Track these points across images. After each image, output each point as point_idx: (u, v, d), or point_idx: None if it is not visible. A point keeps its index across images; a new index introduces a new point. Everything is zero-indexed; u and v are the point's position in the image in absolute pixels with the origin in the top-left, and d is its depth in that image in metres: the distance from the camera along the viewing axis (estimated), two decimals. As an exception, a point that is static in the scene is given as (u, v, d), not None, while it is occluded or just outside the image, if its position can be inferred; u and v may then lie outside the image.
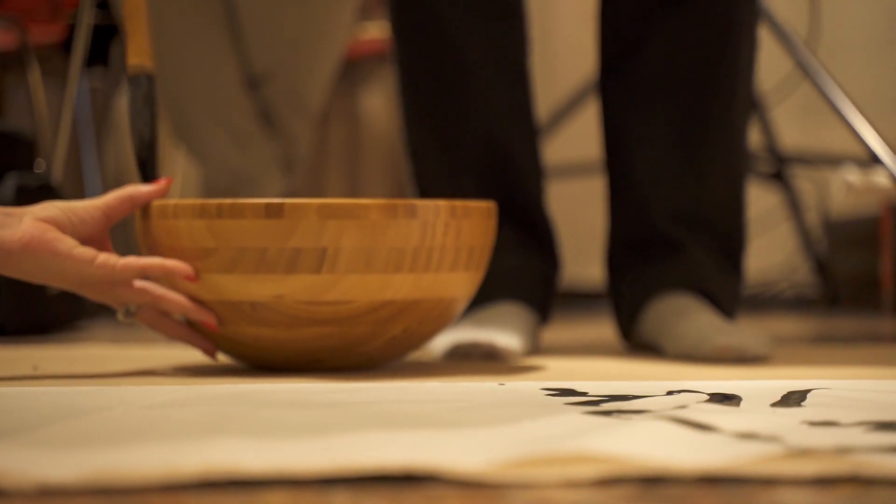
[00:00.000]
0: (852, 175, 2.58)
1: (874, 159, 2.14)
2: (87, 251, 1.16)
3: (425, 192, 1.52)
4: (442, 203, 1.20)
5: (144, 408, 0.94)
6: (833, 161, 2.50)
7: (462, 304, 1.27)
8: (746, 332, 1.38)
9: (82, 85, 2.55)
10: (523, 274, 1.52)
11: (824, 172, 2.72)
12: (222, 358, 1.28)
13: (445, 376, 1.20)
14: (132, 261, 1.17)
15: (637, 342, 1.52)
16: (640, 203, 1.51)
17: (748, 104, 1.53)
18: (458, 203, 1.21)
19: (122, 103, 2.64)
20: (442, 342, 1.39)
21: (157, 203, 1.20)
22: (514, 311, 1.47)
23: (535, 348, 1.49)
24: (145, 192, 1.20)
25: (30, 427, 0.83)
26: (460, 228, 1.21)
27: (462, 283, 1.23)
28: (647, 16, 1.50)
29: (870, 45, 2.92)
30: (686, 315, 1.42)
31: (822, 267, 2.58)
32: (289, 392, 1.04)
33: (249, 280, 1.16)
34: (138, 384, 1.12)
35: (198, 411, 0.92)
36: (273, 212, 1.15)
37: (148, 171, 1.24)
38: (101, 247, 1.20)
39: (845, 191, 2.66)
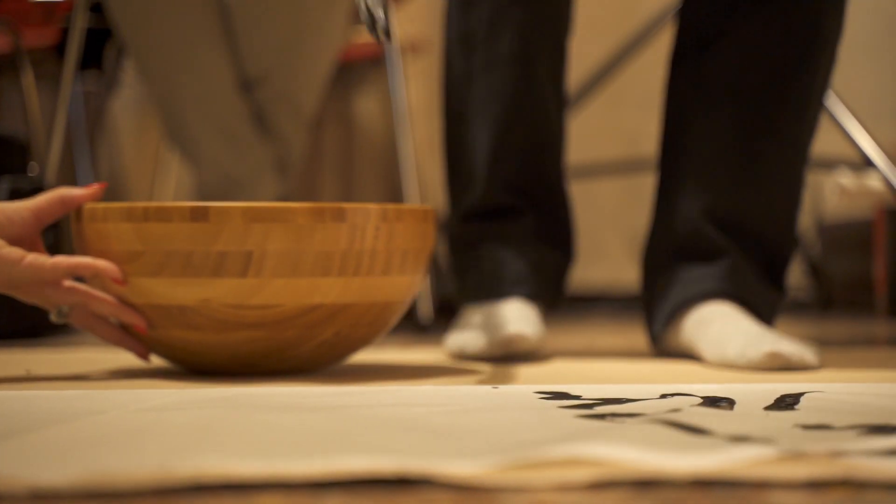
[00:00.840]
0: (846, 178, 2.58)
1: (867, 163, 2.14)
2: (14, 251, 1.16)
3: (457, 170, 1.52)
4: (372, 206, 1.19)
5: (137, 411, 0.94)
6: (826, 164, 2.51)
7: (401, 308, 1.26)
8: (792, 340, 1.35)
9: (76, 88, 2.55)
10: (539, 270, 1.51)
11: (818, 176, 2.72)
12: (156, 360, 1.29)
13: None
14: (61, 260, 1.18)
15: (668, 348, 1.48)
16: (687, 202, 1.47)
17: (816, 123, 1.48)
18: (391, 207, 1.20)
19: (116, 106, 2.64)
20: (463, 344, 1.41)
21: (87, 206, 1.20)
22: (524, 309, 1.46)
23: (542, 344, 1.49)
24: (77, 195, 1.21)
25: (22, 431, 0.83)
26: (392, 232, 1.20)
27: (397, 288, 1.22)
28: (730, 10, 1.45)
29: (863, 49, 2.93)
30: (727, 322, 1.39)
31: (815, 270, 2.59)
32: (281, 395, 1.04)
33: (176, 284, 1.16)
34: (131, 388, 1.12)
35: (190, 415, 0.92)
36: (198, 215, 1.15)
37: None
38: (31, 248, 1.20)
39: (839, 194, 2.67)
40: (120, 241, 1.17)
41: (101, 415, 0.92)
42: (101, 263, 1.18)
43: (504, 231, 1.51)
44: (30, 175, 1.86)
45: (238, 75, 2.03)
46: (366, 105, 2.84)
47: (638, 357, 1.46)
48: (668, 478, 0.68)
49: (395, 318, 1.26)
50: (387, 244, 1.20)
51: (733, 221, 1.46)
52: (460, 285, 1.55)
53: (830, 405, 0.97)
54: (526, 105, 1.48)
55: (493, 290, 1.48)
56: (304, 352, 1.21)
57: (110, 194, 2.66)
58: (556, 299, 1.53)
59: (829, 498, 0.65)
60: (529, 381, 1.21)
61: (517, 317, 1.42)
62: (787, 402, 0.98)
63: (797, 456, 0.71)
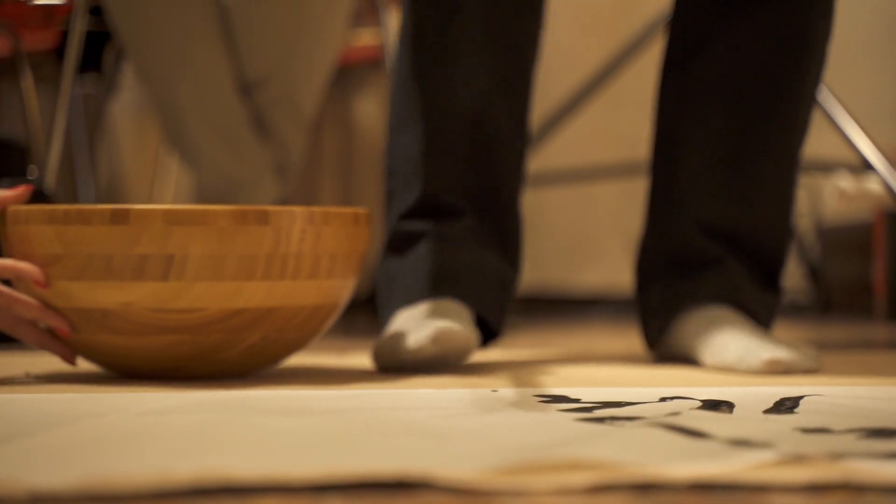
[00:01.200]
0: (845, 181, 2.58)
1: (867, 166, 2.14)
2: None
3: (395, 170, 1.46)
4: (298, 209, 1.18)
5: (136, 414, 0.94)
6: (825, 167, 2.51)
7: (333, 312, 1.24)
8: (792, 345, 1.35)
9: (75, 91, 2.55)
10: (477, 273, 1.42)
11: (817, 178, 2.72)
12: (84, 364, 1.28)
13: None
14: None
15: (665, 353, 1.47)
16: (680, 211, 1.46)
17: (807, 128, 1.47)
18: (317, 209, 1.19)
19: (116, 109, 2.64)
20: (386, 347, 1.31)
21: (11, 208, 1.20)
22: (451, 308, 1.38)
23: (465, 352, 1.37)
24: (2, 197, 1.20)
25: (21, 434, 0.83)
26: (319, 235, 1.19)
27: (326, 291, 1.21)
28: (719, 17, 1.45)
29: (862, 52, 2.93)
30: (726, 326, 1.38)
31: (814, 273, 2.59)
32: (281, 399, 1.04)
33: (98, 287, 1.16)
34: (131, 391, 1.12)
35: (190, 418, 0.92)
36: (119, 218, 1.14)
37: None
38: None
39: (838, 197, 2.67)
40: (41, 244, 1.17)
41: (101, 418, 0.92)
42: (23, 266, 1.18)
43: (441, 231, 1.43)
44: (29, 178, 1.86)
45: (237, 78, 2.03)
46: (365, 107, 2.85)
47: (637, 360, 1.46)
48: (668, 482, 0.68)
49: (328, 322, 1.25)
50: (314, 247, 1.18)
51: (727, 230, 1.46)
52: (390, 289, 1.44)
53: (830, 408, 0.97)
54: (465, 105, 1.42)
55: (424, 291, 1.40)
56: (232, 356, 1.20)
57: (110, 197, 2.66)
58: (498, 309, 1.44)
59: (828, 501, 0.65)
60: (529, 384, 1.20)
61: (444, 315, 1.34)
62: (786, 406, 0.98)
63: (797, 459, 0.71)
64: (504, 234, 1.46)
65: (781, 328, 2.23)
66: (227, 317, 1.17)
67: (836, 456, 0.72)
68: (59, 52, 2.26)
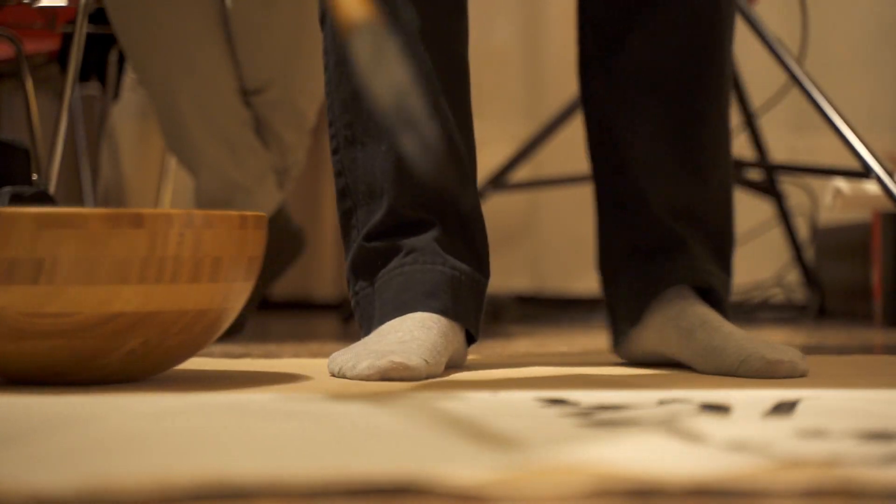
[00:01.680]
0: (842, 183, 2.58)
1: (865, 170, 2.14)
2: None
3: (353, 188, 1.42)
4: (175, 212, 1.16)
5: (138, 417, 0.95)
6: (824, 173, 2.51)
7: (221, 316, 1.22)
8: (785, 346, 1.35)
9: (77, 95, 2.55)
10: (452, 284, 1.40)
11: (814, 182, 2.72)
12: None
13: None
14: None
15: (635, 350, 1.46)
16: (639, 199, 1.46)
17: (730, 98, 1.50)
18: (198, 213, 1.17)
19: (118, 113, 2.64)
20: (342, 365, 1.29)
21: None
22: (427, 325, 1.35)
23: (454, 363, 1.39)
24: None
25: (23, 436, 0.83)
26: (200, 238, 1.16)
27: (209, 295, 1.19)
28: (630, 8, 1.46)
29: (859, 56, 2.93)
30: (711, 328, 1.38)
31: (811, 276, 2.59)
32: (281, 402, 1.04)
33: None
34: (131, 393, 1.13)
35: (190, 421, 0.92)
36: None
37: None
38: None
39: (835, 199, 2.67)
40: None
41: (102, 420, 0.92)
42: None
43: (413, 245, 1.40)
44: (32, 181, 1.86)
45: (238, 82, 2.03)
46: (365, 111, 2.84)
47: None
48: (666, 486, 0.68)
49: (217, 326, 1.22)
50: (194, 251, 1.16)
51: (683, 211, 1.46)
52: (368, 309, 1.42)
53: (827, 412, 0.97)
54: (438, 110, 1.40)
55: (400, 307, 1.37)
56: (113, 361, 1.18)
57: (112, 201, 2.66)
58: (475, 318, 1.42)
59: (825, 505, 0.65)
60: (528, 387, 1.21)
61: (410, 338, 1.32)
62: (784, 409, 0.98)
63: (794, 463, 0.72)
64: (471, 240, 1.44)
65: (779, 331, 2.24)
66: (103, 321, 1.15)
67: (835, 460, 0.73)
68: (61, 56, 2.26)
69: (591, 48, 1.50)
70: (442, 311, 1.37)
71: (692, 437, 0.82)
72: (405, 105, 1.36)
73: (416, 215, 1.41)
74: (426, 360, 1.28)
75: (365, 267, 1.42)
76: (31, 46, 2.20)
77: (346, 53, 1.39)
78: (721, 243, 1.48)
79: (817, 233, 2.69)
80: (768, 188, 2.55)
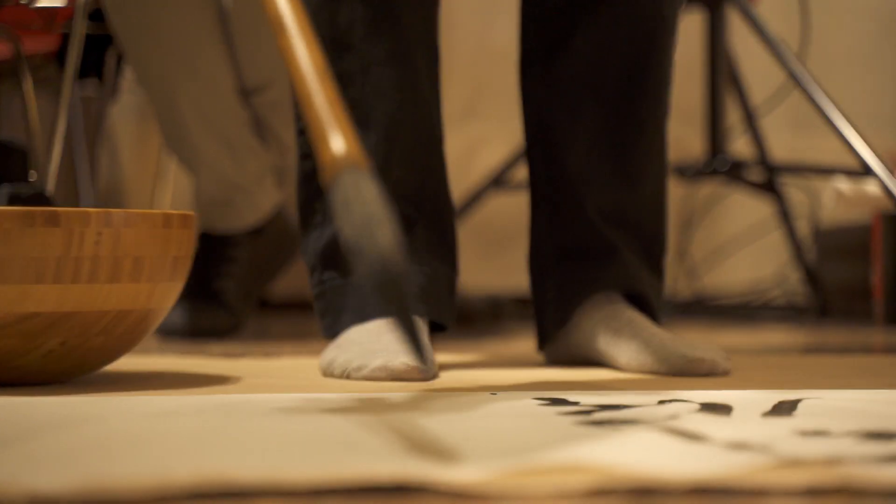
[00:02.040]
0: (843, 184, 2.58)
1: (866, 170, 2.14)
2: None
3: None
4: (93, 211, 1.14)
5: (137, 418, 0.94)
6: (824, 172, 2.51)
7: (146, 317, 1.20)
8: (707, 345, 1.36)
9: (76, 94, 2.55)
10: (433, 286, 1.40)
11: (815, 182, 2.72)
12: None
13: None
14: None
15: (561, 351, 1.45)
16: (572, 203, 1.46)
17: (670, 105, 1.49)
18: (117, 211, 1.15)
19: (116, 112, 2.64)
20: (345, 364, 1.29)
21: None
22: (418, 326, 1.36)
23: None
24: None
25: (22, 437, 0.83)
26: (119, 238, 1.14)
27: (131, 296, 1.17)
28: (572, 9, 1.46)
29: (860, 56, 2.93)
30: (637, 327, 1.38)
31: (812, 277, 2.59)
32: (280, 402, 1.04)
33: None
34: (130, 394, 1.12)
35: (189, 421, 0.92)
36: None
37: None
38: None
39: (836, 199, 2.67)
40: None
41: (101, 421, 0.92)
42: None
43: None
44: (30, 181, 1.86)
45: (237, 82, 2.03)
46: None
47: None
48: (666, 485, 0.68)
49: (143, 327, 1.21)
50: (112, 250, 1.14)
51: (615, 216, 1.46)
52: (338, 308, 1.40)
53: (828, 411, 0.97)
54: (409, 106, 1.40)
55: (380, 309, 1.34)
56: (31, 362, 1.16)
57: (111, 201, 2.66)
58: (449, 319, 1.42)
59: (826, 505, 0.65)
60: (528, 387, 1.21)
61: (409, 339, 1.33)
62: (784, 409, 0.98)
63: (795, 463, 0.72)
64: (447, 238, 1.44)
65: (780, 332, 2.24)
66: (18, 321, 1.13)
67: (835, 459, 0.73)
68: (59, 55, 2.26)
69: (532, 51, 1.50)
70: (426, 316, 1.37)
71: (692, 436, 0.82)
72: (388, 94, 1.35)
73: (405, 212, 1.40)
74: (432, 362, 1.29)
75: (338, 258, 1.40)
76: (30, 46, 2.20)
77: (336, 32, 1.39)
78: (653, 249, 1.49)
79: (818, 233, 2.69)
80: (769, 188, 2.55)
